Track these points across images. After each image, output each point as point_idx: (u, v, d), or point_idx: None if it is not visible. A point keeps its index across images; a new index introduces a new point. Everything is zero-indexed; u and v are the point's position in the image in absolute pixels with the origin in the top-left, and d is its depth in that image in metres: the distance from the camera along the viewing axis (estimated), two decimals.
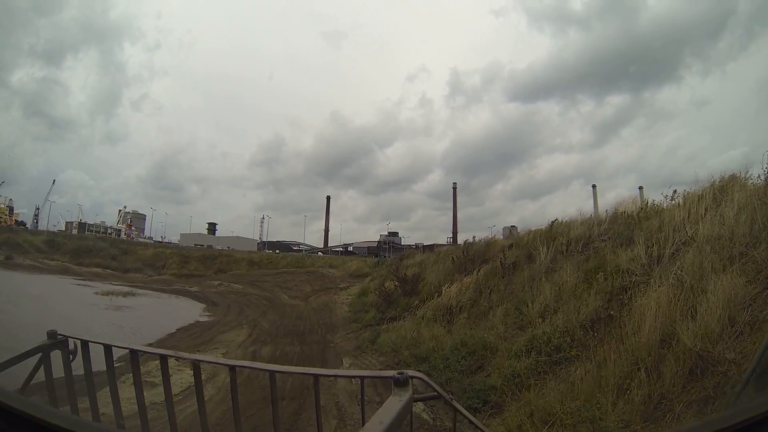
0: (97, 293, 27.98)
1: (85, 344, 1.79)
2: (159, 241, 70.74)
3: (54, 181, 74.11)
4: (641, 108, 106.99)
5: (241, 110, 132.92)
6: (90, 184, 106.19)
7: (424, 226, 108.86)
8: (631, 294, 7.24)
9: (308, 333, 17.75)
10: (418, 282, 18.88)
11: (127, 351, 1.77)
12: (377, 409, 1.13)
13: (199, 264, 46.22)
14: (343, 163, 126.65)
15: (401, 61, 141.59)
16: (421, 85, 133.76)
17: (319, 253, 68.35)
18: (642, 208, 12.51)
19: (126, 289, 31.41)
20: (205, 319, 21.57)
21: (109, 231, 72.43)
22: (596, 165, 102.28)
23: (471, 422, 1.63)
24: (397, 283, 19.40)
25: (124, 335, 16.87)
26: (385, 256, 55.94)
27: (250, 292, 32.53)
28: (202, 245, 67.03)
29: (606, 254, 9.59)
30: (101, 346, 1.78)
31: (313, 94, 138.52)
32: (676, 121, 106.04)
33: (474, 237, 23.59)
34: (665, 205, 11.51)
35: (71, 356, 1.81)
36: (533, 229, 17.00)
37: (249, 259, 48.37)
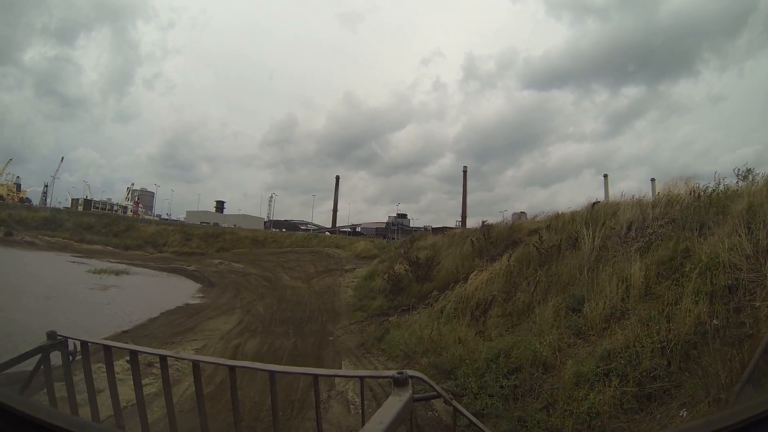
0: (89, 271, 26.39)
1: (84, 345, 1.74)
2: (165, 219, 69.53)
3: (62, 158, 73.62)
4: (656, 100, 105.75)
5: (254, 90, 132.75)
6: (101, 162, 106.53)
7: (433, 209, 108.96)
8: (744, 296, 4.93)
9: (306, 321, 15.70)
10: (432, 267, 16.68)
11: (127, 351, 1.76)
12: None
13: (202, 242, 44.61)
14: (354, 145, 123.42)
15: (416, 44, 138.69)
16: (435, 68, 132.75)
17: (327, 232, 66.75)
18: (715, 189, 10.03)
19: (121, 267, 29.87)
20: (196, 301, 19.69)
21: (115, 208, 71.56)
22: (608, 155, 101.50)
23: (472, 422, 1.59)
24: (408, 267, 17.16)
25: (102, 318, 15.12)
26: (393, 238, 54.16)
27: (251, 272, 30.68)
28: (208, 223, 65.82)
29: (681, 242, 7.21)
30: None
31: (327, 76, 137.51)
32: (690, 116, 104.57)
33: (484, 221, 21.50)
34: (737, 186, 9.41)
35: (71, 357, 1.76)
36: (570, 210, 14.55)
37: (253, 237, 46.62)
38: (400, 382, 1.25)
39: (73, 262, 30.72)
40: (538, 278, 9.31)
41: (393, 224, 71.45)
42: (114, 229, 46.41)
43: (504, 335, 7.40)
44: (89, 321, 14.82)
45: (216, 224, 63.82)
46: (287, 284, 26.37)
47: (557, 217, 20.09)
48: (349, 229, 73.65)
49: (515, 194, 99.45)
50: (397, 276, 16.91)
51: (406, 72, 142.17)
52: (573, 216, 13.93)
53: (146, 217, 70.68)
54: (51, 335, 1.78)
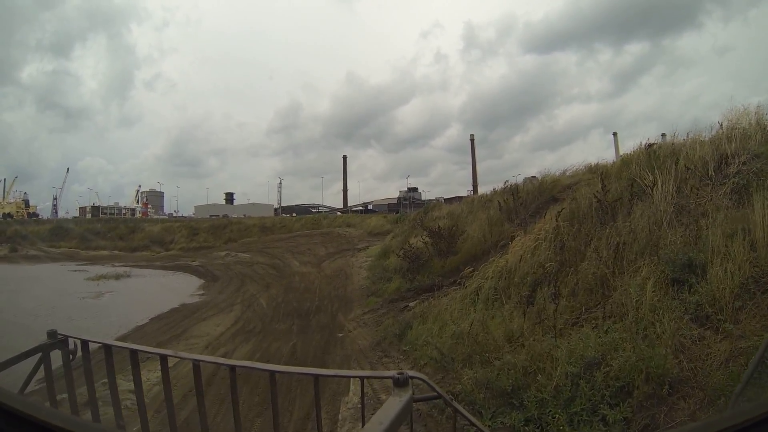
0: (88, 278, 24.83)
1: (85, 344, 1.73)
2: (173, 216, 68.57)
3: (68, 169, 74.20)
4: (661, 56, 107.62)
5: (255, 79, 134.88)
6: (108, 168, 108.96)
7: (443, 181, 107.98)
8: None
9: (314, 313, 13.59)
10: (455, 237, 14.27)
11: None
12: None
13: (209, 235, 42.98)
14: (361, 123, 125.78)
15: (414, 17, 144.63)
16: (435, 40, 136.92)
17: (338, 213, 64.99)
18: None
19: (122, 270, 28.34)
20: (194, 300, 17.79)
21: (123, 212, 71.01)
22: (615, 114, 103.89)
23: (472, 423, 1.60)
24: (427, 239, 14.80)
25: (83, 332, 13.27)
26: (405, 213, 52.26)
27: (258, 261, 28.79)
28: (217, 215, 64.61)
29: None
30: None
31: (328, 57, 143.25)
32: (697, 69, 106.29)
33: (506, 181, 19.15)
34: None
35: (71, 356, 1.74)
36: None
37: (261, 225, 44.73)
38: (400, 383, 1.23)
39: (75, 270, 29.25)
40: (608, 238, 6.79)
41: (404, 199, 71.25)
42: (119, 233, 45.06)
43: (579, 327, 5.04)
44: (67, 330, 13.10)
45: (225, 216, 62.51)
46: (296, 270, 24.37)
47: (593, 168, 17.78)
48: (360, 208, 72.78)
49: (525, 160, 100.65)
50: (414, 251, 14.57)
51: (407, 46, 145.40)
52: (625, 160, 11.30)
53: (155, 217, 69.88)
54: (51, 334, 1.72)
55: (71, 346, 1.78)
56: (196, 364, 1.61)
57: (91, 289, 21.47)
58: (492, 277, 8.56)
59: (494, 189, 20.55)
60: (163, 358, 1.65)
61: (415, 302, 11.37)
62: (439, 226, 15.28)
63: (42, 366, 1.74)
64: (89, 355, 1.80)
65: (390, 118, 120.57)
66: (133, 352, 1.68)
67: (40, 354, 1.73)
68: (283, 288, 18.96)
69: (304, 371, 1.62)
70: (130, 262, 34.35)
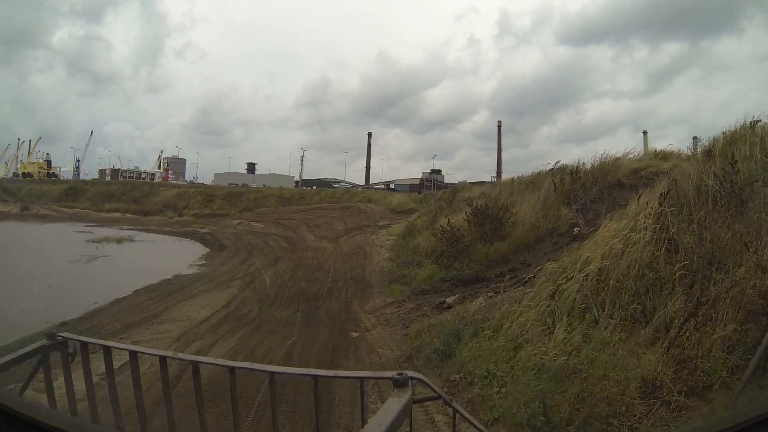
0: (89, 240, 23.05)
1: (84, 345, 1.69)
2: (192, 182, 67.45)
3: (92, 132, 74.35)
4: (697, 57, 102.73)
5: (285, 52, 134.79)
6: (134, 134, 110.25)
7: (467, 166, 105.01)
8: None
9: (325, 298, 11.11)
10: (503, 218, 11.45)
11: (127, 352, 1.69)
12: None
13: (224, 202, 41.17)
14: (389, 103, 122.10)
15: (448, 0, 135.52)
16: (468, 25, 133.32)
17: (359, 189, 62.66)
18: None
19: (127, 233, 26.60)
20: (191, 271, 15.58)
21: (143, 176, 70.26)
22: (646, 113, 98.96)
23: (471, 423, 1.65)
24: (470, 217, 12.01)
25: (56, 300, 11.40)
26: (429, 193, 49.67)
27: (271, 232, 26.56)
28: (237, 184, 63.06)
29: None
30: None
31: (360, 35, 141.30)
32: (733, 74, 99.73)
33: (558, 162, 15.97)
34: None
35: (71, 358, 1.69)
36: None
37: (279, 195, 42.54)
38: (399, 384, 1.20)
39: (80, 231, 27.64)
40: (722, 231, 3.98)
41: (427, 180, 69.33)
42: (133, 196, 43.66)
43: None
44: (35, 303, 11.15)
45: (244, 185, 60.95)
46: (310, 245, 21.97)
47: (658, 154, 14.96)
48: (382, 186, 70.80)
49: (550, 151, 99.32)
50: (454, 231, 11.74)
51: (440, 29, 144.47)
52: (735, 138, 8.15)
53: (174, 182, 69.01)
54: (50, 336, 1.67)
55: (71, 349, 1.70)
56: (195, 365, 1.58)
57: (88, 251, 19.59)
58: (577, 278, 5.74)
59: (540, 170, 17.47)
60: (163, 359, 1.63)
61: (453, 297, 8.68)
62: (485, 204, 12.42)
63: (41, 368, 1.66)
64: (89, 357, 1.69)
65: (419, 99, 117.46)
66: (133, 353, 1.65)
67: (39, 356, 1.64)
68: (293, 264, 16.56)
69: (304, 372, 1.65)
70: (140, 225, 32.80)
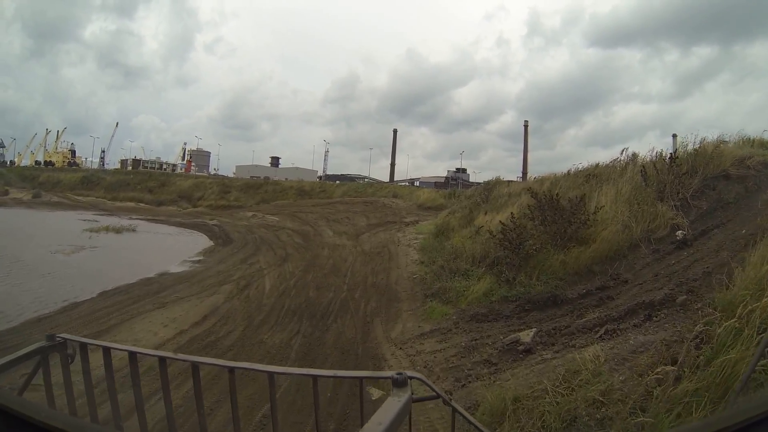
0: (86, 229, 20.99)
1: (83, 346, 1.67)
2: (213, 174, 66.13)
3: (117, 123, 74.88)
4: (729, 62, 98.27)
5: (314, 48, 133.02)
6: (161, 126, 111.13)
7: (492, 167, 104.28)
8: None
9: (337, 313, 8.22)
10: (581, 213, 8.25)
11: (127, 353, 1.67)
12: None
13: (241, 194, 38.92)
14: (417, 101, 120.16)
15: None
16: (498, 24, 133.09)
17: (384, 184, 59.99)
18: None
19: (132, 223, 24.52)
20: (181, 269, 12.97)
21: (164, 167, 69.38)
22: (675, 117, 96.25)
23: (471, 423, 1.59)
24: (536, 211, 8.84)
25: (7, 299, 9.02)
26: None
27: (285, 226, 23.86)
28: (258, 177, 61.30)
29: None
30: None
31: (390, 32, 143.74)
32: (766, 80, 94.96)
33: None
34: None
35: (70, 359, 1.67)
36: None
37: (299, 188, 39.99)
38: (399, 383, 1.20)
39: (85, 220, 25.70)
40: None
41: (453, 178, 67.17)
42: (149, 185, 41.96)
43: None
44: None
45: (266, 178, 59.16)
46: (327, 241, 19.12)
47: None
48: (406, 183, 68.47)
49: (576, 154, 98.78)
50: (520, 231, 8.45)
51: (469, 28, 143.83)
52: None
53: (196, 173, 68.00)
54: (50, 337, 1.64)
55: (70, 350, 1.67)
56: (195, 365, 1.54)
57: (78, 242, 17.36)
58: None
59: (619, 157, 14.03)
60: (162, 360, 1.60)
61: (530, 333, 5.57)
62: (556, 194, 9.20)
63: (41, 368, 1.66)
64: (88, 358, 1.65)
65: (446, 98, 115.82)
66: (132, 354, 1.62)
67: (38, 357, 1.63)
68: (303, 264, 13.73)
69: (304, 372, 1.62)
70: (150, 215, 30.87)
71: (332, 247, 17.34)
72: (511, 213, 9.87)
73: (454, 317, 6.90)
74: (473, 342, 5.73)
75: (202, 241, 19.47)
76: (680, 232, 8.81)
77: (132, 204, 37.60)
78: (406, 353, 5.84)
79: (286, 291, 9.92)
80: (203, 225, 25.01)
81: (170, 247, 17.67)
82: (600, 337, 5.21)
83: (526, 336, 5.53)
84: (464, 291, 7.65)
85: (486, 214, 16.66)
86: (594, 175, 13.59)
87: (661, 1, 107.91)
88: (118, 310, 8.26)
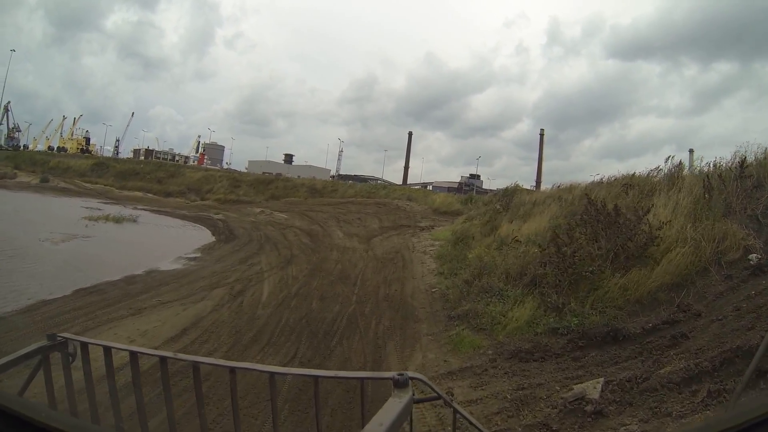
0: (85, 217, 19.98)
1: (84, 346, 1.67)
2: (222, 168, 65.58)
3: (133, 113, 75.33)
4: (749, 79, 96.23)
5: (333, 48, 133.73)
6: (178, 118, 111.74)
7: (506, 174, 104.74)
8: None
9: (343, 333, 6.88)
10: (638, 228, 6.79)
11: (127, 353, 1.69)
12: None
13: (250, 188, 37.90)
14: (433, 105, 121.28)
15: (500, 5, 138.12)
16: (518, 32, 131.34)
17: (398, 186, 58.78)
18: None
19: (135, 213, 23.51)
20: (175, 266, 11.77)
21: (176, 158, 69.08)
22: (691, 133, 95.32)
23: (471, 423, 1.61)
24: (588, 223, 7.39)
25: None
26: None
27: (293, 225, 22.63)
28: (271, 173, 60.48)
29: None
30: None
31: (409, 35, 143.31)
32: None
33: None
34: None
35: (71, 358, 1.67)
36: None
37: (310, 185, 38.80)
38: (400, 384, 1.19)
39: (87, 207, 24.85)
40: None
41: (466, 184, 66.58)
42: (158, 175, 41.19)
43: None
44: None
45: (279, 174, 58.32)
46: (336, 243, 17.81)
47: None
48: (419, 186, 67.42)
49: (590, 165, 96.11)
50: (577, 248, 6.87)
51: (489, 34, 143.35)
52: None
53: (209, 167, 67.64)
54: (51, 336, 1.65)
55: (71, 349, 1.68)
56: (196, 366, 1.56)
57: (73, 230, 16.32)
58: None
59: (660, 166, 12.51)
60: (163, 360, 1.60)
61: (597, 385, 4.14)
62: (616, 205, 7.70)
63: (42, 368, 1.66)
64: (89, 357, 1.64)
65: (463, 104, 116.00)
66: (133, 354, 1.63)
67: (39, 356, 1.64)
68: (309, 267, 12.44)
69: (304, 372, 1.69)
70: (156, 206, 29.99)
71: (342, 250, 16.02)
72: (497, 228, 8.38)
73: (490, 352, 5.47)
74: (520, 392, 4.32)
75: (204, 236, 18.30)
76: (754, 255, 7.29)
77: (140, 194, 36.81)
78: (432, 403, 4.46)
79: (285, 300, 8.59)
80: (208, 219, 23.91)
81: (169, 241, 16.52)
82: (703, 402, 3.77)
83: (593, 390, 4.11)
84: (501, 317, 6.21)
85: (512, 222, 15.22)
86: (631, 185, 12.13)
87: (682, 16, 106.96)
88: (86, 314, 7.02)
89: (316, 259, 14.11)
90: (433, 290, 9.56)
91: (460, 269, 10.83)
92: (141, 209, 27.79)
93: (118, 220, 20.31)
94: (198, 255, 13.72)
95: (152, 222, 21.95)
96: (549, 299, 6.25)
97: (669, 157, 12.88)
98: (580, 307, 6.09)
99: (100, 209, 24.01)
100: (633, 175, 13.80)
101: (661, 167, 12.46)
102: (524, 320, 5.90)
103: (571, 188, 16.71)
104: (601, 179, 15.45)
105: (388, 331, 7.04)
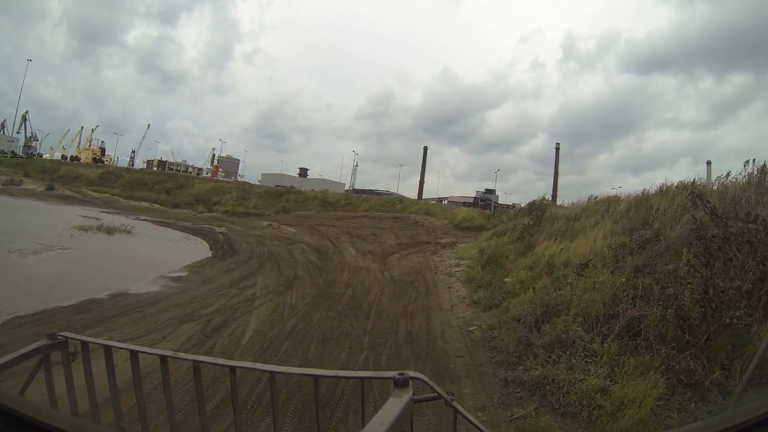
0: (76, 227, 18.17)
1: (85, 345, 1.66)
2: (235, 180, 64.57)
3: (149, 125, 75.86)
4: (764, 90, 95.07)
5: (350, 64, 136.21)
6: (195, 131, 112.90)
7: (521, 189, 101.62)
8: None
9: (348, 404, 4.59)
10: None
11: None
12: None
13: (260, 201, 36.19)
14: (450, 121, 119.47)
15: (516, 21, 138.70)
16: (534, 47, 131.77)
17: (414, 201, 56.82)
18: None
19: (133, 224, 21.86)
20: (151, 288, 9.75)
21: (189, 170, 68.46)
22: (707, 145, 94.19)
23: (472, 423, 1.59)
24: (716, 249, 4.94)
25: None
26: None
27: (302, 240, 20.55)
28: (284, 186, 59.13)
29: None
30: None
31: (426, 52, 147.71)
32: None
33: None
34: None
35: (71, 357, 1.66)
36: None
37: (323, 198, 36.90)
38: (400, 383, 1.18)
39: (85, 216, 23.16)
40: None
41: (481, 199, 65.02)
42: (167, 186, 39.87)
43: None
44: None
45: (292, 187, 56.95)
46: (348, 262, 15.61)
47: None
48: (434, 201, 65.74)
49: (606, 180, 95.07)
50: (709, 280, 4.44)
51: (505, 50, 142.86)
52: None
53: (222, 179, 66.95)
54: (51, 335, 1.64)
55: (71, 348, 1.67)
56: (197, 365, 1.57)
57: (53, 241, 14.52)
58: None
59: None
60: (163, 359, 1.60)
61: None
62: (758, 216, 5.33)
63: (42, 367, 1.65)
64: (89, 357, 1.64)
65: (479, 119, 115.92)
66: (133, 353, 1.63)
67: (40, 355, 1.63)
68: (313, 293, 10.26)
69: (305, 372, 1.69)
70: (159, 217, 28.36)
71: (353, 271, 13.80)
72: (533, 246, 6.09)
73: None
74: None
75: (200, 251, 16.32)
76: None
77: (146, 204, 35.42)
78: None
79: (274, 343, 6.39)
80: (210, 232, 22.00)
81: (157, 256, 14.52)
82: None
83: None
84: (600, 396, 3.88)
85: (553, 240, 12.86)
86: (700, 194, 9.74)
87: (696, 28, 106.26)
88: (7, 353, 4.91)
89: (323, 281, 11.92)
90: (470, 329, 7.24)
91: (501, 299, 8.51)
92: (143, 220, 26.19)
93: (110, 230, 18.51)
94: (184, 274, 11.67)
95: (149, 234, 20.11)
96: (676, 364, 3.91)
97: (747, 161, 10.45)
98: (725, 378, 3.73)
99: (98, 219, 22.32)
100: (694, 182, 11.59)
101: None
102: (649, 406, 3.57)
103: (609, 201, 14.28)
104: (660, 186, 13.02)
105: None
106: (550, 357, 4.75)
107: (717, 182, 10.32)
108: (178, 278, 11.03)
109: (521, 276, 10.18)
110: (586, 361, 4.45)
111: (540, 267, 10.42)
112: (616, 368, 4.18)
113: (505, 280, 10.71)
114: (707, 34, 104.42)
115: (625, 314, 4.91)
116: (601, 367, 4.26)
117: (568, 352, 4.68)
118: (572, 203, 17.91)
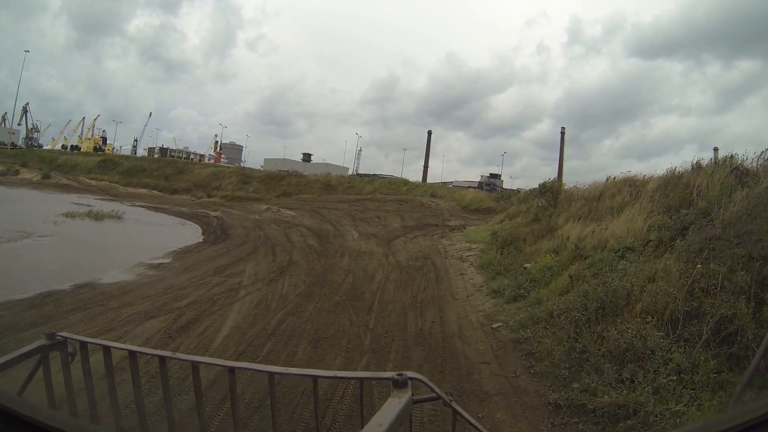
0: (61, 214, 17.13)
1: (83, 345, 1.63)
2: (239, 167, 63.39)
3: (150, 113, 74.33)
4: None
5: (354, 49, 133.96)
6: (198, 119, 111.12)
7: (526, 174, 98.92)
8: None
9: None
10: None
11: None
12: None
13: (261, 185, 35.04)
14: (454, 105, 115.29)
15: (521, 4, 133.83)
16: (539, 30, 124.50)
17: (419, 183, 55.45)
18: None
19: (124, 210, 20.85)
20: (125, 276, 8.60)
21: (191, 156, 67.31)
22: (713, 132, 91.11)
23: (471, 424, 1.53)
24: None
25: None
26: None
27: (301, 223, 19.32)
28: (286, 171, 57.90)
29: None
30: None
31: (430, 36, 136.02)
32: None
33: None
34: None
35: (70, 358, 1.63)
36: None
37: (325, 181, 35.56)
38: (399, 384, 1.16)
39: (76, 204, 22.03)
40: None
41: (486, 183, 63.48)
42: (166, 172, 38.75)
43: None
44: None
45: (295, 171, 55.77)
46: (349, 246, 14.37)
47: None
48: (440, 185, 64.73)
49: (611, 165, 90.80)
50: None
51: (510, 34, 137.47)
52: None
53: (225, 165, 65.92)
54: (50, 336, 1.60)
55: (70, 348, 1.64)
56: (195, 365, 1.53)
57: (33, 228, 13.46)
58: None
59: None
60: (162, 360, 1.59)
61: None
62: None
63: (41, 368, 1.62)
64: (88, 357, 1.60)
65: (484, 103, 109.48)
66: (132, 353, 1.60)
67: (38, 355, 1.59)
68: (308, 280, 9.05)
69: (303, 372, 1.65)
70: (156, 203, 27.38)
71: (355, 255, 12.56)
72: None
73: None
74: None
75: (191, 236, 15.18)
76: None
77: (144, 191, 34.45)
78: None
79: (252, 345, 5.17)
80: (205, 216, 20.84)
81: (142, 242, 13.36)
82: None
83: None
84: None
85: (578, 221, 11.51)
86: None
87: (704, 13, 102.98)
88: None
89: (321, 267, 10.70)
90: (495, 326, 5.98)
91: (528, 289, 7.24)
92: (138, 205, 25.18)
93: (98, 217, 17.46)
94: (166, 261, 10.50)
95: (140, 220, 19.01)
96: None
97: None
98: None
99: (90, 205, 21.21)
100: (732, 157, 10.18)
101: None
102: None
103: (628, 181, 12.77)
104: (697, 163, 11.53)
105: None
106: (620, 374, 3.47)
107: (758, 159, 9.03)
108: (158, 266, 9.85)
109: (547, 261, 8.90)
110: (677, 380, 3.17)
111: (567, 251, 9.13)
112: (720, 392, 2.91)
113: (526, 265, 9.43)
114: (715, 19, 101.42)
115: (713, 312, 3.60)
116: (701, 391, 2.99)
117: (647, 367, 3.40)
118: (589, 185, 16.53)
